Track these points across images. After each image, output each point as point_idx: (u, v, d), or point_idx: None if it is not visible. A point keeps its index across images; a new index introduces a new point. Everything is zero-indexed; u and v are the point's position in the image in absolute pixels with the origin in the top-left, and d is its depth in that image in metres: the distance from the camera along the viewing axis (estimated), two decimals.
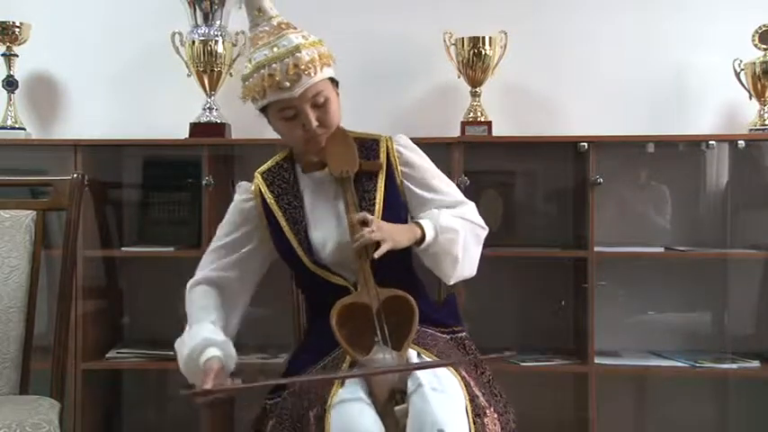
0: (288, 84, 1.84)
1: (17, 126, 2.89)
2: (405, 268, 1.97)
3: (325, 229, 1.92)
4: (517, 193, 2.95)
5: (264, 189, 1.99)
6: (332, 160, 1.91)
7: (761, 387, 2.82)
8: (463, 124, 2.78)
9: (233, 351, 1.87)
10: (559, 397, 2.82)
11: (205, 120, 2.84)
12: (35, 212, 2.13)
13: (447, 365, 1.73)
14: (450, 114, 2.83)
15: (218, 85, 2.87)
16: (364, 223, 1.81)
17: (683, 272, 2.83)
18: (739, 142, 2.68)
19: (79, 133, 2.90)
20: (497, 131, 2.78)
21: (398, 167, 1.98)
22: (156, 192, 2.94)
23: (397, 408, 1.65)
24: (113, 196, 2.97)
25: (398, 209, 1.96)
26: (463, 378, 1.73)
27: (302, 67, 1.85)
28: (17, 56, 2.90)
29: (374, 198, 1.93)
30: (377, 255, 1.78)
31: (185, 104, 2.86)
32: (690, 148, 2.88)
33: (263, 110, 1.94)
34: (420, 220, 1.90)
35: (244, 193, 2.02)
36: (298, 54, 1.85)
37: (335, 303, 1.77)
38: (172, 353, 2.70)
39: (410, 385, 1.66)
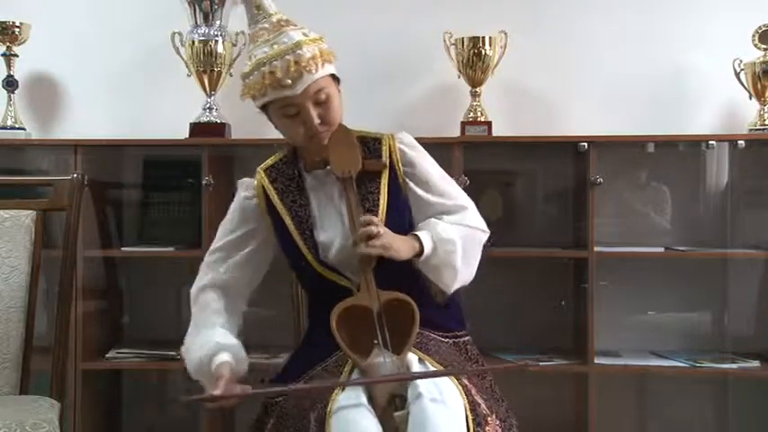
0: (289, 81, 1.81)
1: (17, 126, 2.89)
2: (408, 271, 1.92)
3: (331, 230, 1.90)
4: (517, 193, 2.95)
5: (267, 185, 1.96)
6: (334, 159, 1.87)
7: (761, 387, 2.82)
8: (463, 124, 2.78)
9: (244, 354, 1.86)
10: (559, 397, 2.82)
11: (205, 120, 2.84)
12: (35, 212, 2.13)
13: (448, 375, 1.70)
14: (451, 114, 2.83)
15: (219, 85, 2.87)
16: (370, 225, 1.78)
17: (683, 272, 2.83)
18: (739, 142, 2.67)
19: (79, 133, 2.90)
20: (497, 131, 2.78)
21: (401, 167, 1.94)
22: (156, 192, 2.95)
23: (396, 414, 1.63)
24: (113, 196, 2.97)
25: (403, 210, 1.93)
26: (464, 386, 1.71)
27: (303, 64, 1.82)
28: (17, 56, 2.90)
29: (377, 200, 1.90)
30: (373, 252, 1.76)
31: (185, 104, 2.86)
32: (690, 148, 2.88)
33: (264, 108, 1.91)
34: (418, 233, 1.87)
35: (246, 191, 1.99)
36: (299, 51, 1.82)
37: (335, 306, 1.75)
38: (172, 353, 2.74)
39: (410, 393, 1.64)
